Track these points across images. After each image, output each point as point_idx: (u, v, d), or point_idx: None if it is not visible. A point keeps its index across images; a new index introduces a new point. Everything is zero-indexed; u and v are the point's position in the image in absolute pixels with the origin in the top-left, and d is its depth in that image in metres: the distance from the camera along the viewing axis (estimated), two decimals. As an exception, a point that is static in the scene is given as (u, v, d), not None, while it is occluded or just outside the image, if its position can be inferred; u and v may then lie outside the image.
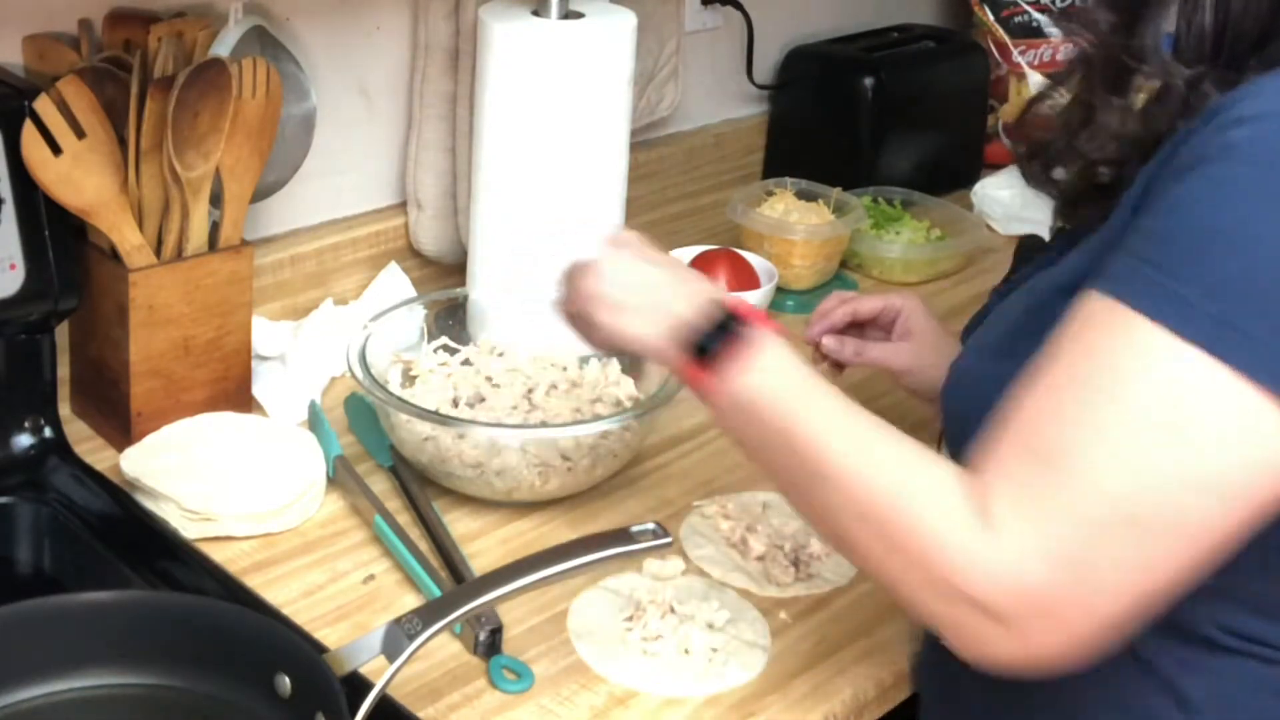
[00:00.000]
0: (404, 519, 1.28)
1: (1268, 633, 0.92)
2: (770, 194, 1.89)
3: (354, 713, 0.93)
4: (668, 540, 1.07)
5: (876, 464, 0.89)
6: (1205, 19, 0.90)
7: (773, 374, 0.96)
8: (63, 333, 1.38)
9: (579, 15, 1.47)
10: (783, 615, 1.20)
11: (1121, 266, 0.85)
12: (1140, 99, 0.95)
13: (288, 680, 0.99)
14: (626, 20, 1.48)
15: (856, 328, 1.40)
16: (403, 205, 1.70)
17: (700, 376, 0.99)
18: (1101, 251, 0.89)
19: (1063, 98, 1.02)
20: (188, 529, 1.24)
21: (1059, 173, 1.04)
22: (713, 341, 0.98)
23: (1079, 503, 0.82)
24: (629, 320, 1.05)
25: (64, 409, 1.38)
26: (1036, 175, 1.07)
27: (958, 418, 1.02)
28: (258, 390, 1.44)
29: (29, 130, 1.23)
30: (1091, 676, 0.93)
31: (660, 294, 1.04)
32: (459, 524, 1.29)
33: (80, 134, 1.25)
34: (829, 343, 1.38)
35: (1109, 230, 0.91)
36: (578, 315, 1.10)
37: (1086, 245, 0.94)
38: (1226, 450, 0.81)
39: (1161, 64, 0.92)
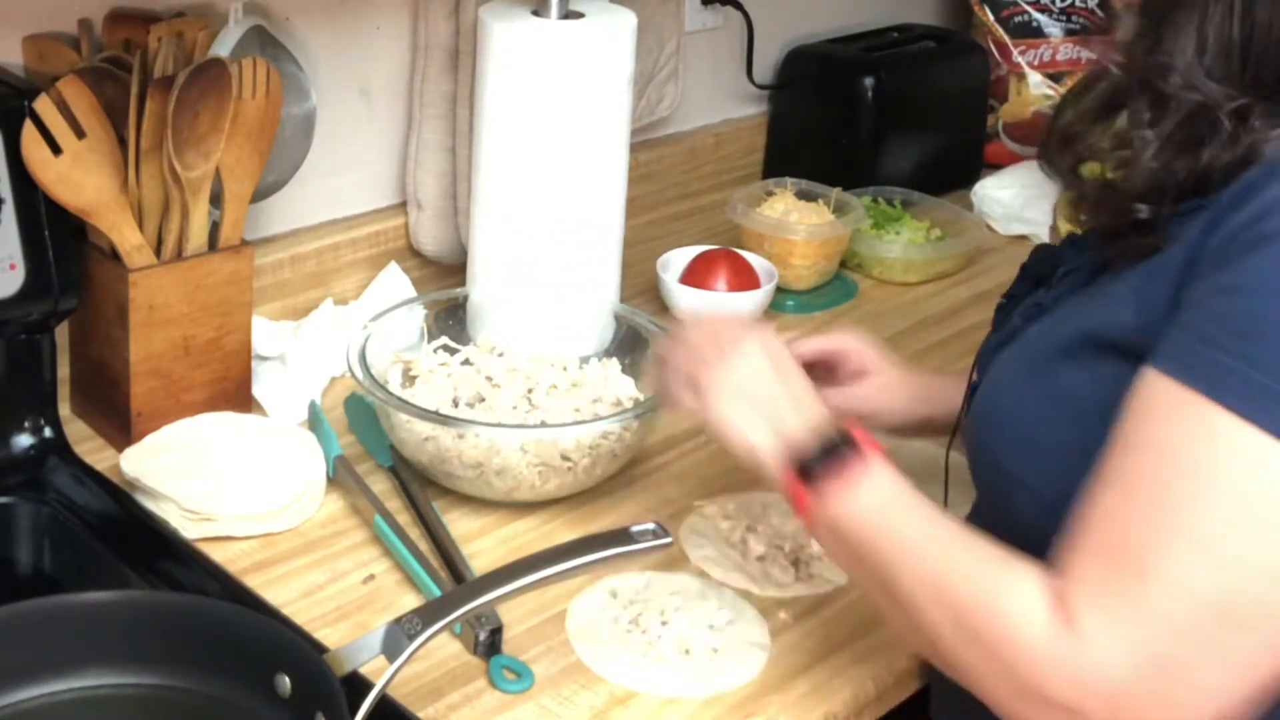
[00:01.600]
0: (404, 519, 1.28)
1: None
2: (770, 194, 1.89)
3: (354, 713, 0.93)
4: (668, 540, 1.07)
5: (964, 566, 0.90)
6: (1233, 30, 0.87)
7: (869, 498, 0.96)
8: (63, 333, 1.38)
9: (579, 15, 1.47)
10: (783, 615, 1.20)
11: (1191, 353, 0.82)
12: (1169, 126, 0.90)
13: (288, 680, 0.99)
14: (626, 20, 1.48)
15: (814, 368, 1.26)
16: (403, 205, 1.70)
17: (802, 495, 0.99)
18: (1147, 307, 0.87)
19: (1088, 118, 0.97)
20: (188, 529, 1.24)
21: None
22: (817, 464, 0.99)
23: (1166, 603, 0.80)
24: (743, 419, 1.05)
25: (64, 409, 1.38)
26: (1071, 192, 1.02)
27: (989, 447, 1.01)
28: (258, 390, 1.44)
29: (29, 130, 1.23)
30: None
31: (779, 405, 1.04)
32: (459, 524, 1.29)
33: (80, 134, 1.25)
34: None
35: (1153, 282, 0.88)
36: (685, 377, 1.10)
37: (1128, 287, 0.90)
38: None
39: (1194, 83, 0.87)
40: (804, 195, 1.88)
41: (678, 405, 1.12)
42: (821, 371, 1.26)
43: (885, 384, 1.27)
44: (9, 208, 1.25)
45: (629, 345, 1.45)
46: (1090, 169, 0.98)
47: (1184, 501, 0.81)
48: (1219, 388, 0.80)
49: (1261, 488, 0.79)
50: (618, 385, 1.41)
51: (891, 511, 0.95)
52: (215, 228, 1.36)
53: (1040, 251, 1.12)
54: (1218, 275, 0.83)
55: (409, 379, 1.40)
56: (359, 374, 1.32)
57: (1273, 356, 0.79)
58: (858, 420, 1.05)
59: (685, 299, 1.66)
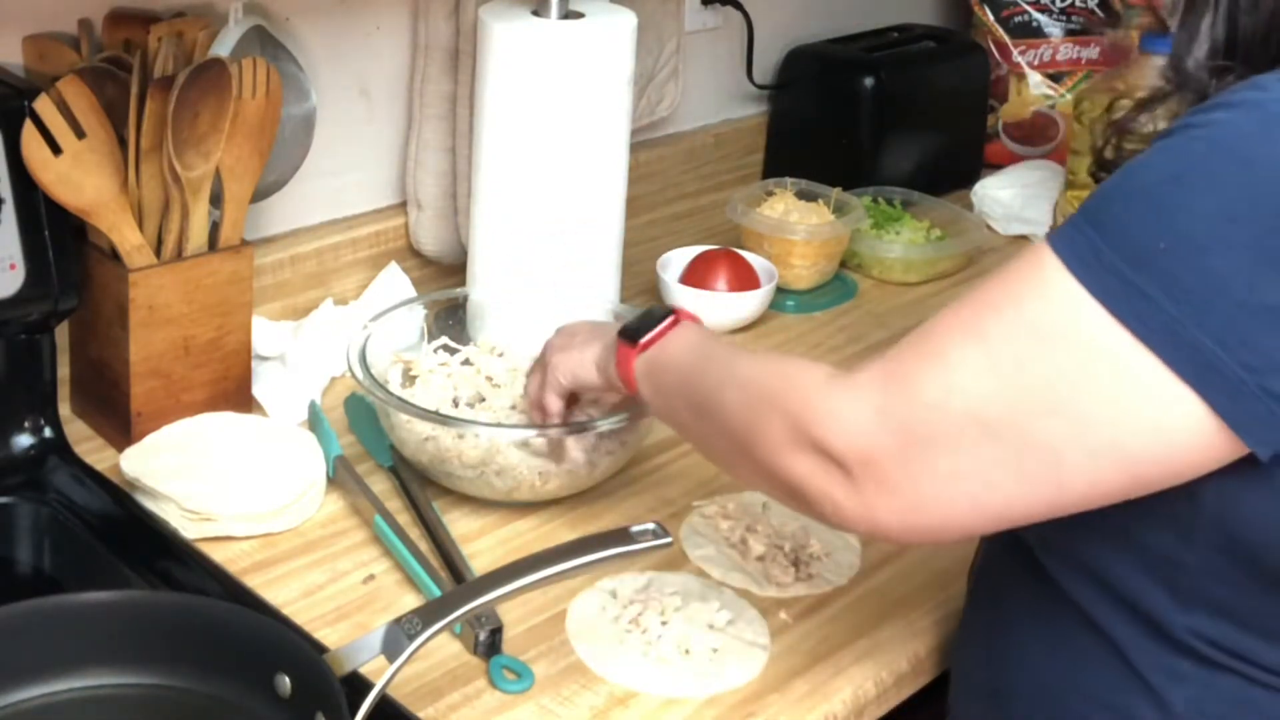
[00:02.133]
0: (404, 519, 1.28)
1: (1257, 651, 0.92)
2: (770, 194, 1.89)
3: (354, 713, 0.93)
4: (668, 540, 1.07)
5: (771, 358, 1.02)
6: (1219, 29, 0.92)
7: (684, 338, 1.13)
8: (63, 333, 1.38)
9: (579, 15, 1.47)
10: (783, 615, 1.20)
11: (1068, 220, 0.88)
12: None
13: (288, 680, 0.99)
14: (626, 20, 1.48)
15: None
16: (403, 205, 1.70)
17: (628, 355, 1.15)
18: None
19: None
20: (188, 529, 1.24)
21: None
22: (639, 328, 1.15)
23: (932, 386, 0.87)
24: (580, 352, 1.24)
25: (64, 409, 1.38)
26: None
27: None
28: (258, 390, 1.44)
29: (29, 130, 1.23)
30: (1078, 669, 0.94)
31: (603, 329, 1.25)
32: (459, 524, 1.29)
33: (80, 134, 1.25)
34: None
35: None
36: (545, 365, 1.27)
37: None
38: (1099, 396, 0.83)
39: (1188, 75, 0.94)
40: (804, 195, 1.88)
41: (539, 405, 1.28)
42: None
43: None
44: (9, 208, 1.25)
45: (629, 345, 1.45)
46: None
47: (992, 314, 0.87)
48: (1065, 243, 0.86)
49: (1062, 332, 0.84)
50: (618, 385, 1.41)
51: (703, 343, 1.11)
52: (215, 228, 1.36)
53: None
54: None
55: (409, 379, 1.40)
56: (359, 374, 1.32)
57: (1108, 218, 0.84)
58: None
59: (685, 299, 1.66)
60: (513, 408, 1.36)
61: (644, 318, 1.16)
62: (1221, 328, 0.80)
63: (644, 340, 1.15)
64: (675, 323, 1.15)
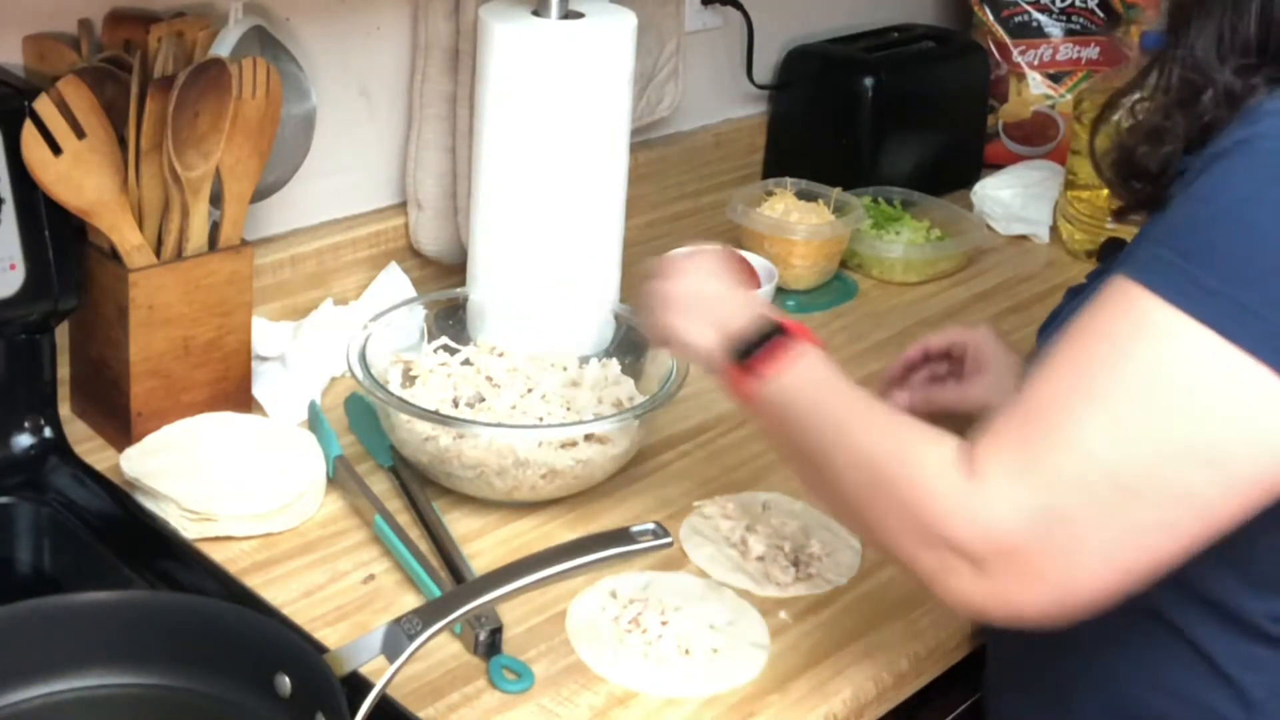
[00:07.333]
0: (404, 519, 1.28)
1: None
2: (770, 194, 1.89)
3: (354, 713, 0.93)
4: (668, 540, 1.07)
5: (884, 431, 0.94)
6: (1250, 26, 0.91)
7: (800, 375, 1.02)
8: (63, 333, 1.38)
9: (579, 15, 1.47)
10: (783, 615, 1.20)
11: (1141, 250, 0.87)
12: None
13: (288, 680, 0.99)
14: (626, 20, 1.48)
15: (940, 362, 1.37)
16: (403, 205, 1.70)
17: (738, 377, 1.05)
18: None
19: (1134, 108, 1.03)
20: (188, 529, 1.24)
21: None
22: (753, 348, 1.04)
23: (1065, 463, 0.84)
24: (688, 325, 1.12)
25: (64, 409, 1.38)
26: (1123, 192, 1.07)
27: None
28: (258, 390, 1.44)
29: (29, 130, 1.23)
30: (1145, 661, 0.94)
31: (720, 309, 1.11)
32: (459, 524, 1.29)
33: (80, 134, 1.25)
34: (896, 399, 1.35)
35: (1152, 223, 0.93)
36: (647, 304, 1.17)
37: (1139, 234, 0.96)
38: (1225, 424, 0.82)
39: (1207, 69, 0.93)
40: (804, 195, 1.88)
41: (652, 332, 1.18)
42: (946, 363, 1.35)
43: (997, 380, 1.30)
44: (9, 208, 1.25)
45: (629, 345, 1.45)
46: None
47: (1104, 372, 0.85)
48: (1154, 277, 0.84)
49: (1178, 369, 0.83)
50: (618, 385, 1.41)
51: (821, 385, 1.01)
52: (215, 228, 1.36)
53: (1110, 243, 1.14)
54: (1185, 189, 0.88)
55: (409, 379, 1.40)
56: (359, 374, 1.32)
57: (1205, 251, 0.83)
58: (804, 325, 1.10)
59: (685, 299, 1.65)
60: (514, 408, 1.36)
61: (757, 334, 1.06)
62: None
63: (758, 365, 1.04)
64: (786, 344, 1.04)
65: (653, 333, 1.18)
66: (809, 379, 1.02)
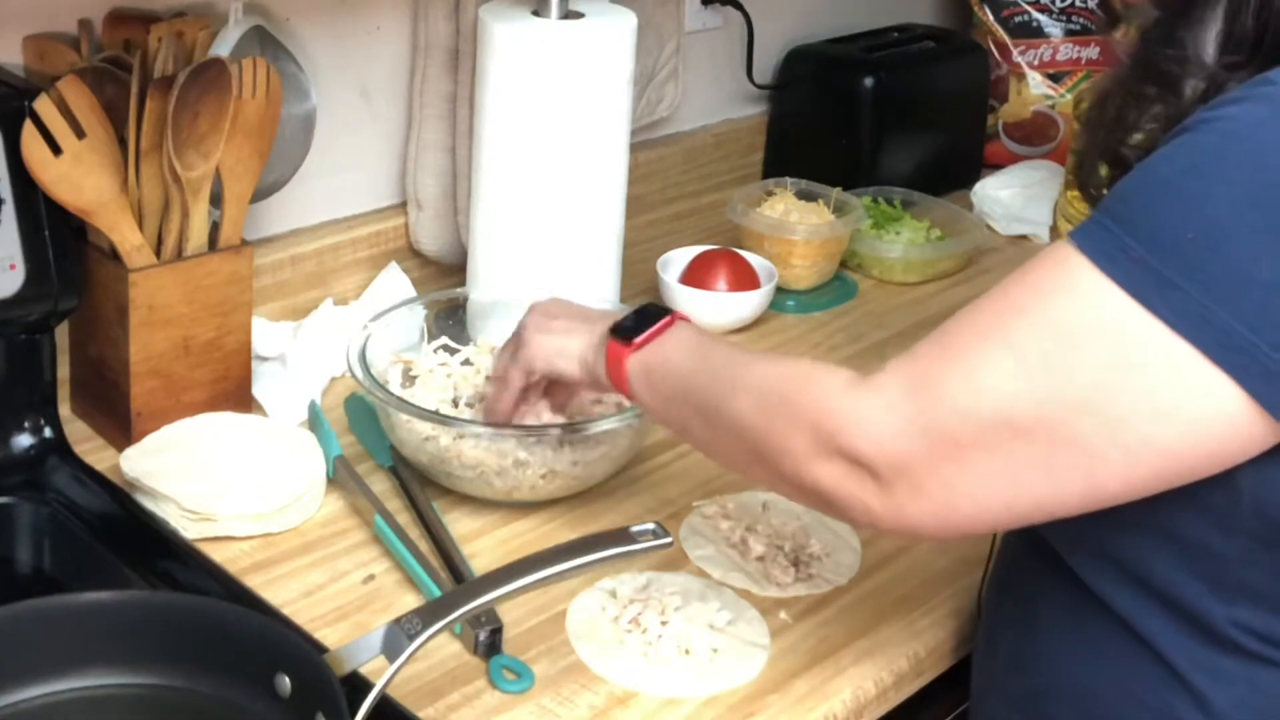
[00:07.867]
0: (404, 519, 1.28)
1: None
2: (770, 194, 1.89)
3: (354, 713, 0.93)
4: (668, 540, 1.07)
5: (784, 361, 1.03)
6: (1247, 23, 0.91)
7: (681, 340, 1.11)
8: (63, 333, 1.38)
9: (579, 15, 1.47)
10: (783, 615, 1.20)
11: (1088, 218, 0.88)
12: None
13: (288, 680, 0.99)
14: (626, 20, 1.48)
15: None
16: (403, 205, 1.70)
17: (620, 353, 1.13)
18: None
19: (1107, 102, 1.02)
20: (188, 529, 1.24)
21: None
22: (632, 327, 1.13)
23: (960, 391, 0.87)
24: (560, 338, 1.21)
25: (64, 409, 1.38)
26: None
27: None
28: (258, 390, 1.44)
29: (29, 130, 1.23)
30: (1116, 671, 0.94)
31: (590, 317, 1.21)
32: (459, 524, 1.29)
33: (80, 134, 1.25)
34: None
35: None
36: (520, 343, 1.25)
37: None
38: (1127, 387, 0.83)
39: (1202, 67, 0.93)
40: (804, 195, 1.88)
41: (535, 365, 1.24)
42: None
43: None
44: (9, 208, 1.25)
45: (629, 345, 1.45)
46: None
47: (1019, 317, 0.87)
48: (1088, 240, 0.86)
49: (1091, 328, 0.84)
50: (618, 385, 1.41)
51: (710, 340, 1.10)
52: (215, 228, 1.36)
53: None
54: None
55: (409, 379, 1.40)
56: (359, 374, 1.32)
57: (1139, 219, 0.84)
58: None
59: (685, 299, 1.66)
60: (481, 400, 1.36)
61: (638, 316, 1.15)
62: (1252, 312, 0.80)
63: (639, 339, 1.13)
64: (671, 322, 1.13)
65: (531, 353, 1.23)
66: (697, 337, 1.11)
